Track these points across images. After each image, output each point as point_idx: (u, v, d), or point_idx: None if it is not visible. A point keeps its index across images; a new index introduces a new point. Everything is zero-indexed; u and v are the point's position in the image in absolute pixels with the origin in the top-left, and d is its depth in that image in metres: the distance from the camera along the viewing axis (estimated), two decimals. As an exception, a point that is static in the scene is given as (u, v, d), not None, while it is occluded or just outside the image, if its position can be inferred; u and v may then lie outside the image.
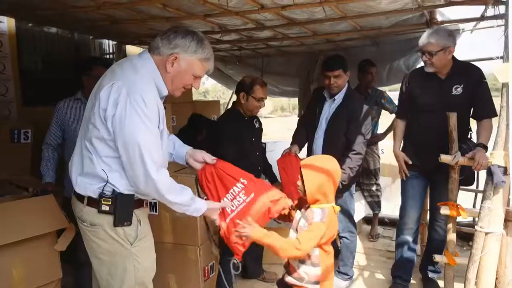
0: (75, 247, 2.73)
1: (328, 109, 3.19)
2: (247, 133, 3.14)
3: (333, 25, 3.84)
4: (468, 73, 2.84)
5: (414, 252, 3.27)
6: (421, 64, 3.05)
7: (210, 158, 2.12)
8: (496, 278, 1.71)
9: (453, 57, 2.90)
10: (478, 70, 2.87)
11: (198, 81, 1.89)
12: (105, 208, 1.76)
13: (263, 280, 3.54)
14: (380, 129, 4.48)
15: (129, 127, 1.65)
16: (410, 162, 3.07)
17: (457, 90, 2.83)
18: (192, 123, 4.18)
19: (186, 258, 3.00)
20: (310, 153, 3.34)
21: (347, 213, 3.27)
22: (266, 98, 3.10)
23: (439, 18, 3.69)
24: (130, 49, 5.52)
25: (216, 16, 3.47)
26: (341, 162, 3.04)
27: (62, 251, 2.53)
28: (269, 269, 3.62)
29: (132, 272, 1.84)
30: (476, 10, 3.61)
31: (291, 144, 3.32)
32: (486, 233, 1.62)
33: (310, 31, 4.08)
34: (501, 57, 1.52)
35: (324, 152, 3.24)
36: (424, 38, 2.79)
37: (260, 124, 3.32)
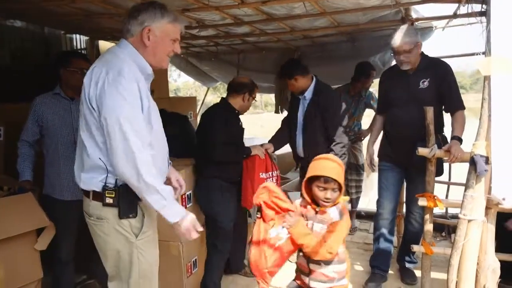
0: (56, 246, 2.67)
1: (302, 107, 3.31)
2: (238, 130, 3.19)
3: (311, 21, 3.88)
4: (434, 67, 2.96)
5: (391, 243, 3.36)
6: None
7: (175, 180, 2.12)
8: (477, 264, 1.78)
9: (421, 53, 3.00)
10: (444, 64, 2.99)
11: (177, 44, 1.93)
12: (109, 200, 1.77)
13: (245, 275, 3.55)
14: (364, 126, 4.57)
15: (108, 100, 1.66)
16: (376, 162, 3.27)
17: (424, 84, 2.94)
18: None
19: (169, 254, 2.98)
20: (294, 150, 3.47)
21: None
22: None
23: (413, 15, 3.79)
24: (103, 44, 5.40)
25: (195, 11, 3.44)
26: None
27: (42, 250, 2.47)
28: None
29: (136, 264, 1.85)
30: (449, 8, 3.73)
31: (269, 141, 3.40)
32: (469, 221, 1.69)
33: (287, 27, 4.11)
34: (483, 53, 1.58)
35: (304, 148, 3.34)
36: (398, 39, 2.86)
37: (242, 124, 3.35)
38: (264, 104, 23.95)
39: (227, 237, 3.09)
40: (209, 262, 3.10)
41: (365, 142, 4.56)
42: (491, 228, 1.77)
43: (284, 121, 3.65)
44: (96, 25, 4.22)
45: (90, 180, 1.80)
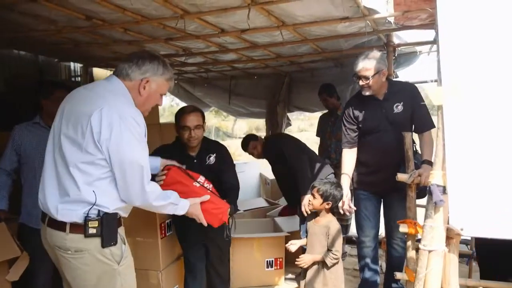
0: (32, 276, 2.65)
1: None
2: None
3: (295, 48, 3.93)
4: (404, 90, 2.96)
5: (375, 272, 3.30)
6: None
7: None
8: (442, 295, 1.74)
9: (387, 78, 3.01)
10: (411, 86, 3.04)
11: (162, 98, 2.07)
12: (92, 231, 1.76)
13: None
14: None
15: (126, 147, 1.74)
16: (354, 209, 3.05)
17: (398, 108, 2.92)
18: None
19: (148, 284, 2.95)
20: None
21: None
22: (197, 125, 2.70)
23: (396, 40, 3.82)
24: (97, 72, 5.49)
25: (179, 40, 3.51)
26: None
27: (15, 281, 2.45)
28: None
29: None
30: (432, 34, 3.75)
31: None
32: (429, 251, 1.66)
33: (273, 53, 4.16)
34: (435, 80, 1.59)
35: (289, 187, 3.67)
36: (359, 63, 2.85)
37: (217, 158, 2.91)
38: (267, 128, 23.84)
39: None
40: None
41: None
42: (454, 259, 1.73)
43: None
44: (87, 53, 4.31)
45: (71, 212, 1.76)
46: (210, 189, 2.40)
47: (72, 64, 5.47)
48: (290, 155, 3.43)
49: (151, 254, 2.92)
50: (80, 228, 1.76)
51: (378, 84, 2.88)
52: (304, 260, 2.75)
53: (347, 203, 2.95)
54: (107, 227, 1.78)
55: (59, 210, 1.78)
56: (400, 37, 3.86)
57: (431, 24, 3.11)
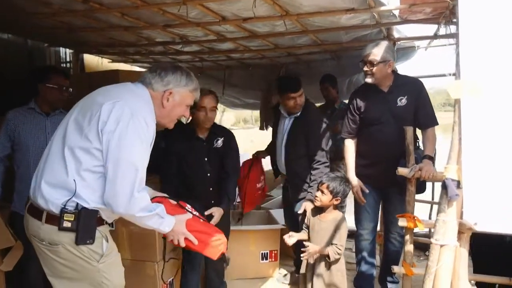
0: (25, 266, 2.58)
1: (288, 123, 3.29)
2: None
3: (294, 38, 3.89)
4: (410, 85, 2.98)
5: (372, 265, 3.31)
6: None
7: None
8: (451, 290, 1.74)
9: (394, 72, 3.01)
10: (417, 81, 3.05)
11: (188, 110, 2.03)
12: (66, 224, 1.67)
13: None
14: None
15: (128, 144, 1.69)
16: (367, 191, 3.04)
17: (402, 101, 2.93)
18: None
19: (145, 275, 2.91)
20: (274, 166, 3.50)
21: None
22: (213, 107, 2.77)
23: (396, 35, 3.82)
24: (88, 58, 5.36)
25: (177, 27, 3.44)
26: (310, 175, 3.14)
27: (8, 271, 2.39)
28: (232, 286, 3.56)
29: None
30: (430, 29, 3.76)
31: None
32: (441, 246, 1.65)
33: (271, 44, 4.11)
34: (454, 74, 1.56)
35: (287, 166, 3.31)
36: (367, 48, 2.89)
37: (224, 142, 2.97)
38: (254, 119, 23.99)
39: None
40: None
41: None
42: (464, 253, 1.73)
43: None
44: (79, 38, 4.19)
45: (50, 198, 1.70)
46: (203, 219, 2.26)
47: (61, 49, 5.33)
48: (322, 154, 3.15)
49: (148, 245, 2.89)
50: (55, 219, 1.69)
51: (382, 73, 2.88)
52: (309, 251, 2.70)
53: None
54: (83, 223, 1.70)
55: (42, 188, 1.72)
56: (400, 31, 3.86)
57: (434, 18, 3.11)
